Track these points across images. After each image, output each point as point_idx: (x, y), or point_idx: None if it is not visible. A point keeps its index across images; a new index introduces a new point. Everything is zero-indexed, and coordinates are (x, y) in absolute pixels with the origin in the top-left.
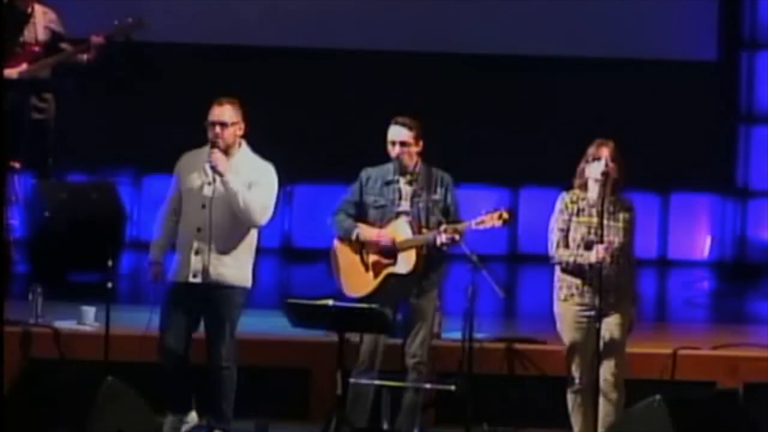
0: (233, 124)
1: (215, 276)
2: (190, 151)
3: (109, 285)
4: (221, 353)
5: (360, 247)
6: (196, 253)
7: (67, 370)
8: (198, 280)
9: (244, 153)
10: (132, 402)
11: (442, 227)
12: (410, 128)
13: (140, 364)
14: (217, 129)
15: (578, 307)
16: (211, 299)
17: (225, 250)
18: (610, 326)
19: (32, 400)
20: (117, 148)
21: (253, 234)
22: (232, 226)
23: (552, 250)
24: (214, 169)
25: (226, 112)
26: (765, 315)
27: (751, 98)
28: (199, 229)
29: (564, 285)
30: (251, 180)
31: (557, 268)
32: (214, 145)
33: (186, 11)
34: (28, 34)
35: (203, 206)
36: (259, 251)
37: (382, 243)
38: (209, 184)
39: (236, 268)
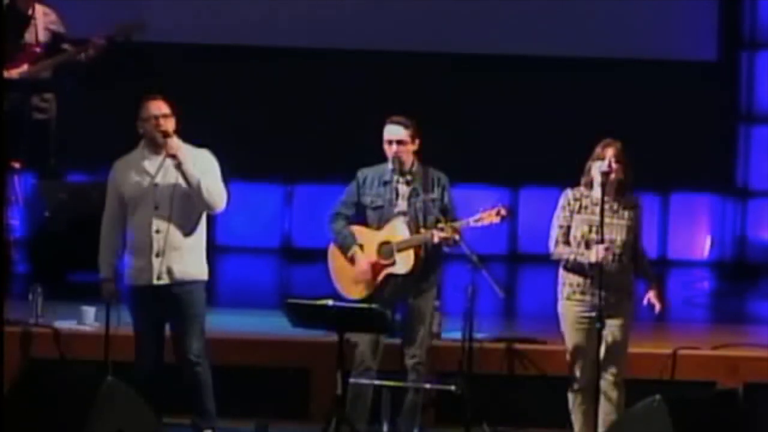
0: (172, 115)
1: (180, 274)
2: (121, 159)
3: None
4: (194, 350)
5: (358, 247)
6: (158, 255)
7: (67, 370)
8: (164, 281)
9: (180, 143)
10: (132, 402)
11: (440, 225)
12: (406, 127)
13: None
14: (161, 120)
15: (580, 307)
16: (178, 298)
17: (185, 246)
18: (612, 327)
19: (32, 400)
20: (117, 148)
21: (204, 224)
22: (187, 221)
23: (551, 247)
24: (173, 157)
25: (163, 105)
26: (765, 315)
27: (751, 98)
28: (158, 231)
29: (566, 283)
30: (200, 167)
31: (560, 266)
32: (153, 139)
33: (186, 11)
34: (29, 35)
35: (156, 207)
36: (260, 251)
37: (369, 275)
38: (155, 185)
39: (197, 262)
